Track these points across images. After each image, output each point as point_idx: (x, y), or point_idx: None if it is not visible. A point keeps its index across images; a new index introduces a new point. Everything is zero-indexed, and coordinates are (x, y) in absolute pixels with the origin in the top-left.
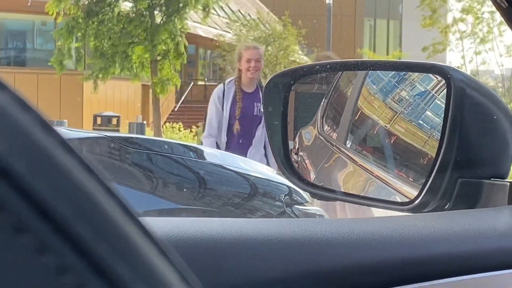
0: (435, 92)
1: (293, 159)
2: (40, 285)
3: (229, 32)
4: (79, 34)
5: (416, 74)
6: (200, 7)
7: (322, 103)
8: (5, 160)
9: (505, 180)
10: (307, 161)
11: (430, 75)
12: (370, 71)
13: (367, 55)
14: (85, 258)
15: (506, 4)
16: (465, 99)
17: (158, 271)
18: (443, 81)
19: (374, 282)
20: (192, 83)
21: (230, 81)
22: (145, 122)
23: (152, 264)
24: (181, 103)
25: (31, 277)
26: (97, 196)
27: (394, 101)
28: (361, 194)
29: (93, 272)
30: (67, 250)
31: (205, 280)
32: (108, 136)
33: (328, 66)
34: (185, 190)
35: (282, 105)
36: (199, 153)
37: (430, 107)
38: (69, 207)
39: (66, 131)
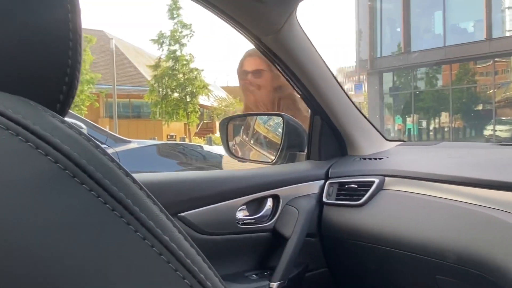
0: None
1: (231, 146)
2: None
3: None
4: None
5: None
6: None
7: (242, 129)
8: (78, 158)
9: (303, 152)
10: (235, 146)
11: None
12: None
13: None
14: (108, 194)
15: None
16: (287, 126)
17: (143, 197)
18: (281, 119)
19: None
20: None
21: None
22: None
23: (138, 194)
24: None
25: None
26: (115, 169)
27: (266, 124)
28: (250, 158)
29: (113, 199)
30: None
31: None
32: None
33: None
34: None
35: (226, 128)
36: None
37: (279, 128)
38: (105, 178)
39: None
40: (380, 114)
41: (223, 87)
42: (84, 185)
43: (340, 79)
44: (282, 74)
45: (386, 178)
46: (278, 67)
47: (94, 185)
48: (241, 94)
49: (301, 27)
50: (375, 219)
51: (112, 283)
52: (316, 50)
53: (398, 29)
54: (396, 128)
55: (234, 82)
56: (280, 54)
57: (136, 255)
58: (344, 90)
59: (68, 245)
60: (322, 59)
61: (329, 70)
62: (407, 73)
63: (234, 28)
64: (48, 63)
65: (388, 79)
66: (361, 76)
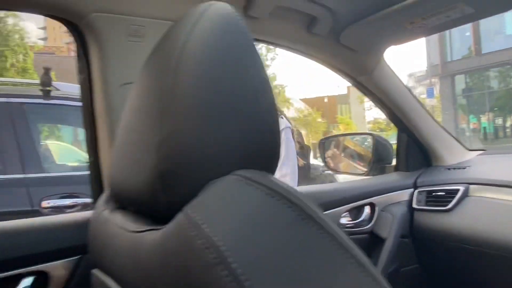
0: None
1: (326, 159)
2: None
3: None
4: None
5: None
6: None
7: (332, 143)
8: (308, 209)
9: (391, 164)
10: (328, 159)
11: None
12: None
13: None
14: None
15: None
16: (376, 143)
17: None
18: (371, 137)
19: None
20: None
21: None
22: None
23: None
24: None
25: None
26: (325, 217)
27: (354, 139)
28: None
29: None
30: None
31: None
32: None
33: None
34: None
35: (323, 146)
36: None
37: (365, 142)
38: (327, 222)
39: None
40: (455, 115)
41: (301, 99)
42: (315, 228)
43: (411, 84)
44: (375, 103)
45: (471, 186)
46: (371, 99)
47: (323, 229)
48: (317, 103)
49: (389, 67)
50: (463, 222)
51: None
52: (402, 83)
53: (468, 34)
54: (471, 127)
55: (310, 94)
56: (373, 90)
57: (353, 277)
58: (427, 111)
59: (325, 271)
60: (407, 88)
61: (413, 96)
62: (480, 74)
63: (332, 70)
64: (270, 146)
65: (460, 81)
66: (432, 80)
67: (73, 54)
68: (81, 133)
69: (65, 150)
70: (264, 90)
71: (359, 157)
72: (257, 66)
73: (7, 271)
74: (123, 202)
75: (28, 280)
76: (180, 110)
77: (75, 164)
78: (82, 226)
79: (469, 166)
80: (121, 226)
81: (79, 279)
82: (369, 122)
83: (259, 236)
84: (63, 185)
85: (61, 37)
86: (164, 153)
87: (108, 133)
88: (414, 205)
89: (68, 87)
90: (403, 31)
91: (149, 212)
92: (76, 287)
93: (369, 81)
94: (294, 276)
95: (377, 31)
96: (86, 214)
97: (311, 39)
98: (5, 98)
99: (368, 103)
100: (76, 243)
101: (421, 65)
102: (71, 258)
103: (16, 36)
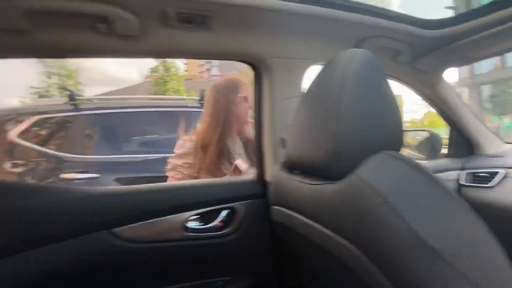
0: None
1: None
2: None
3: None
4: None
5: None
6: None
7: None
8: (430, 173)
9: (439, 152)
10: None
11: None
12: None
13: None
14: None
15: None
16: (431, 136)
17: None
18: (426, 132)
19: None
20: None
21: None
22: None
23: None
24: None
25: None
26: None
27: (407, 136)
28: None
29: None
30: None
31: None
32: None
33: None
34: None
35: None
36: None
37: (416, 135)
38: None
39: None
40: (480, 117)
41: None
42: (438, 187)
43: None
44: (434, 108)
45: (509, 170)
46: (433, 106)
47: (442, 188)
48: None
49: (446, 81)
50: (503, 196)
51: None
52: (455, 93)
53: None
54: (492, 125)
55: None
56: (434, 99)
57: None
58: (473, 112)
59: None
60: (458, 97)
61: (463, 102)
62: (504, 83)
63: (405, 86)
64: (397, 138)
65: (487, 89)
66: (461, 89)
67: (203, 79)
68: None
69: None
70: (393, 103)
71: (413, 147)
72: (389, 91)
73: (213, 206)
74: (299, 168)
75: (224, 212)
76: (344, 117)
77: None
78: (252, 182)
79: (507, 155)
80: (301, 181)
81: (255, 213)
82: (406, 122)
83: (406, 189)
84: None
85: (196, 69)
86: (336, 141)
87: (271, 130)
88: (462, 182)
89: None
90: (465, 57)
91: (322, 175)
92: (252, 218)
93: (433, 93)
94: (430, 213)
95: (445, 58)
96: (248, 177)
97: (394, 66)
98: (181, 108)
99: (404, 108)
100: (250, 192)
101: (452, 76)
102: (248, 201)
103: (172, 69)
